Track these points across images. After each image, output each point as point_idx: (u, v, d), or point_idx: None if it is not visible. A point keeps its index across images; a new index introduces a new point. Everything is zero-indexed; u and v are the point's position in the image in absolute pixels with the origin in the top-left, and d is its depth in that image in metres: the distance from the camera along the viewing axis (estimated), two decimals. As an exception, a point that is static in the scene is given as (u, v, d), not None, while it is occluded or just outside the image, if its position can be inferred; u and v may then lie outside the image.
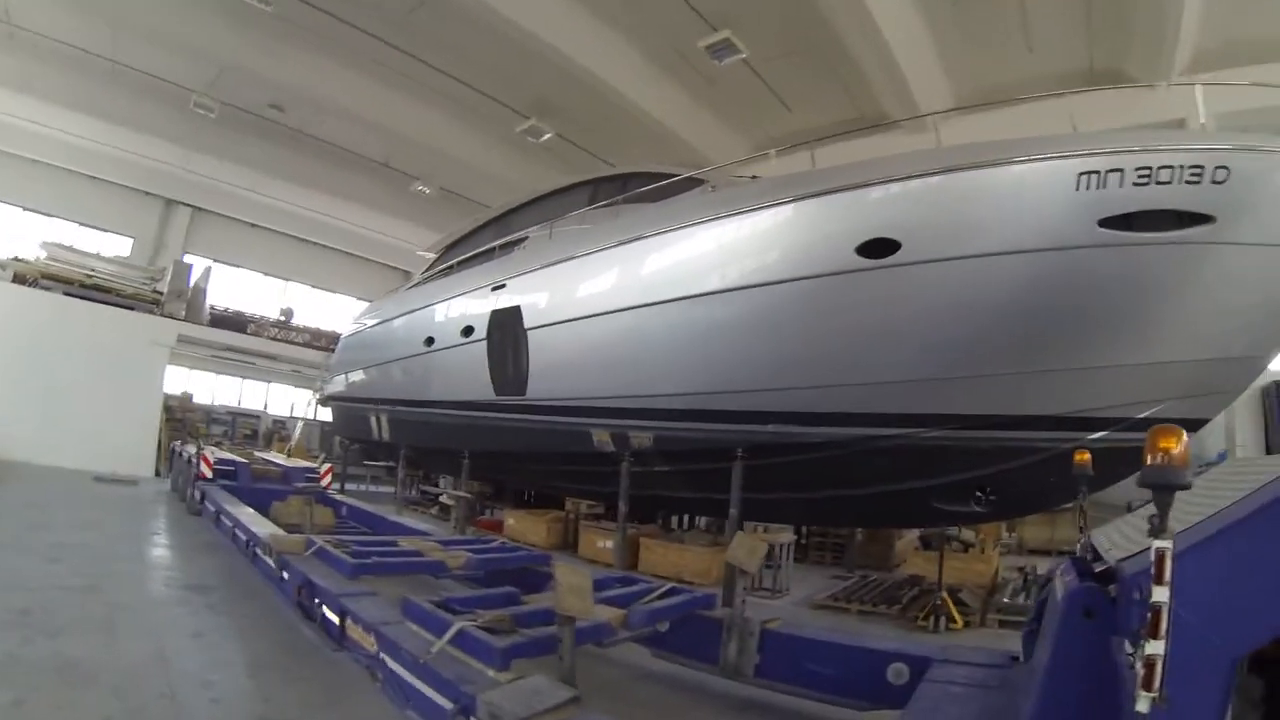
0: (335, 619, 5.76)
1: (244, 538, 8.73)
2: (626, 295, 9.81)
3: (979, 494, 7.98)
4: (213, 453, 13.62)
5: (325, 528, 10.56)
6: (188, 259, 24.65)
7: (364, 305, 32.00)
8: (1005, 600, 9.77)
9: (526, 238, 13.16)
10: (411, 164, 22.22)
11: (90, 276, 19.23)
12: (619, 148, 19.13)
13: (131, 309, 19.72)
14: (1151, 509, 2.39)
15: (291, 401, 29.46)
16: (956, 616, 8.91)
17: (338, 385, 19.85)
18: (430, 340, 14.32)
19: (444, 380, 13.98)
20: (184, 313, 21.87)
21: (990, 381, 7.33)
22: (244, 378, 28.02)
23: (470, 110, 18.89)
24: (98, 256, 20.96)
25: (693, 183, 10.50)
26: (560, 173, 18.53)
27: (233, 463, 13.45)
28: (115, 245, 24.75)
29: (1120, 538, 3.54)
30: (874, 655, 5.22)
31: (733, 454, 8.91)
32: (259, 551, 8.01)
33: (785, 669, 5.52)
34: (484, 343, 12.51)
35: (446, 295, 14.24)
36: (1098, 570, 3.41)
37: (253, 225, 27.89)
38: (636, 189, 10.91)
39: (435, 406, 14.45)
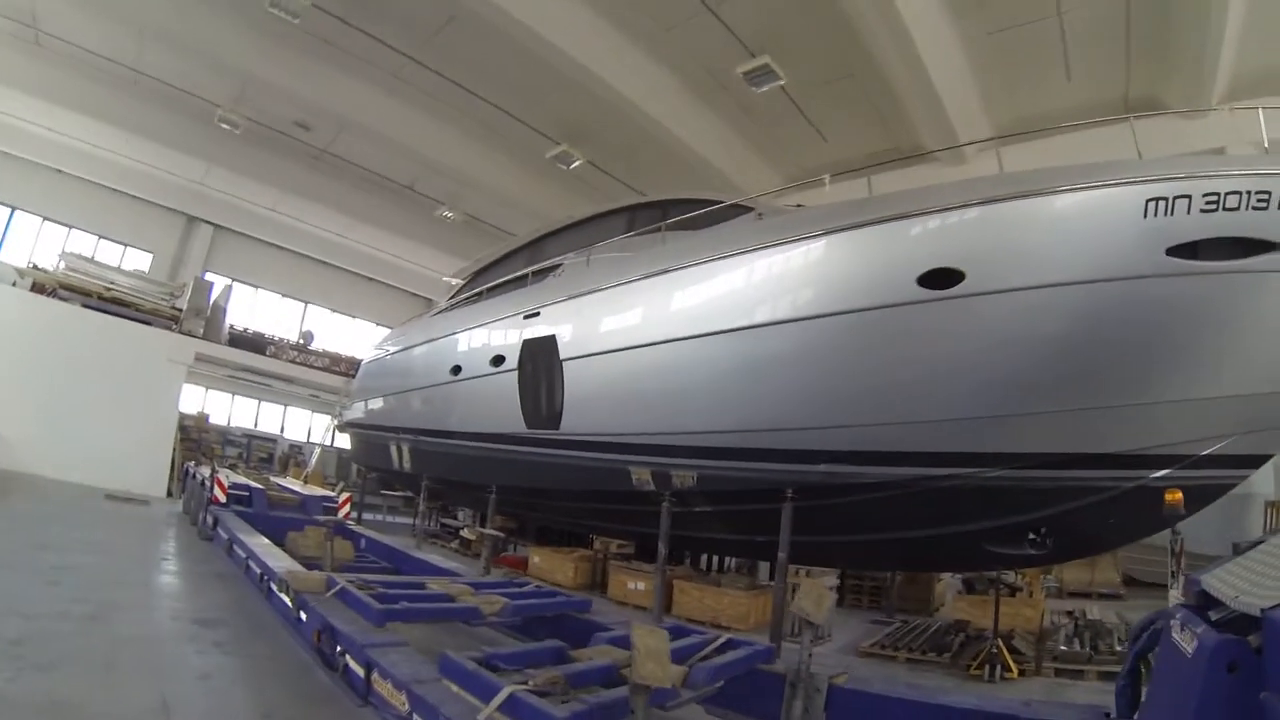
0: (360, 670, 5.17)
1: (258, 570, 8.18)
2: (671, 326, 9.34)
3: (1033, 536, 7.61)
4: (227, 476, 13.10)
5: (344, 562, 10.06)
6: (208, 277, 24.31)
7: (383, 331, 31.74)
8: (1063, 647, 9.24)
9: (561, 265, 12.69)
10: (437, 189, 21.93)
11: (109, 289, 18.89)
12: (650, 176, 18.79)
13: (149, 324, 19.33)
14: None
15: (309, 426, 29.09)
16: (1011, 665, 8.40)
17: (357, 412, 19.31)
18: (457, 369, 13.79)
19: (471, 411, 13.42)
20: (203, 330, 21.45)
21: (1053, 418, 6.97)
22: (261, 400, 27.60)
23: (499, 135, 18.61)
24: (118, 269, 20.69)
25: (738, 210, 10.11)
26: (589, 201, 18.26)
27: (248, 488, 12.92)
28: (135, 260, 24.63)
29: (1245, 582, 3.15)
30: (952, 714, 4.77)
31: (782, 494, 8.39)
32: (274, 587, 7.45)
33: (857, 728, 4.99)
34: (515, 373, 11.96)
35: (475, 323, 13.71)
36: (1215, 618, 3.10)
37: (273, 245, 27.67)
38: (677, 216, 10.52)
39: (461, 438, 13.88)
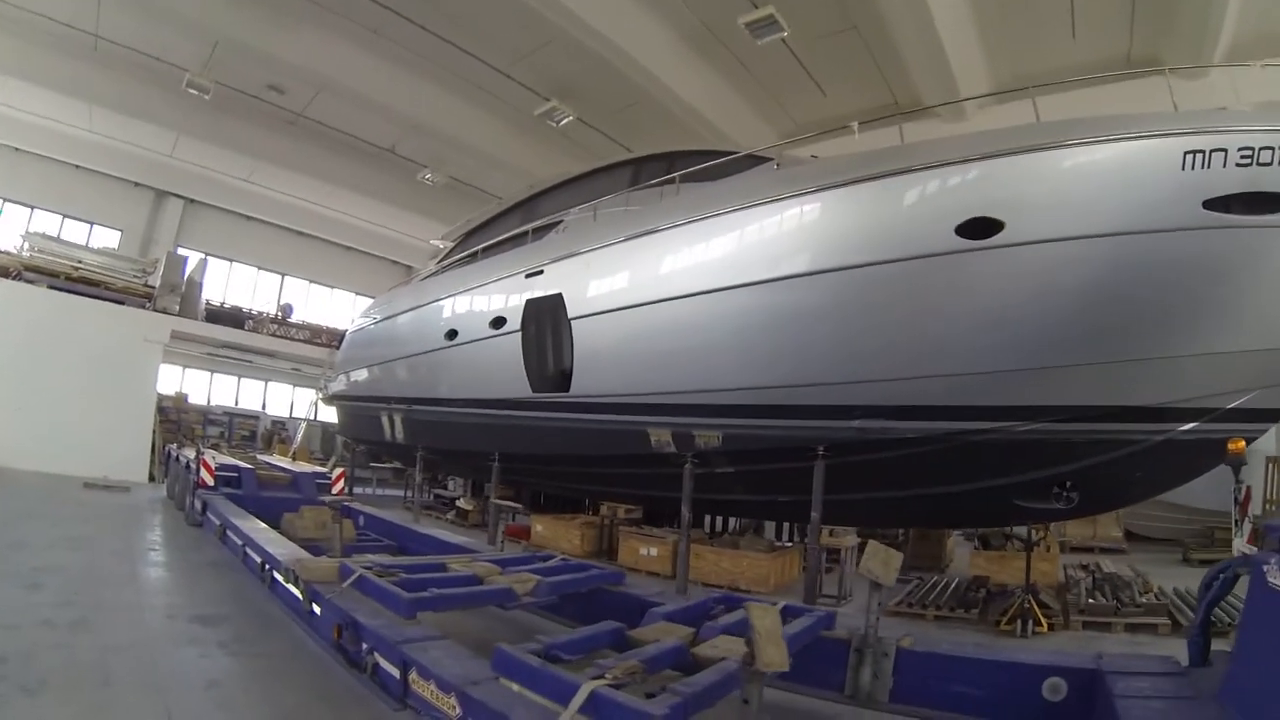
0: (394, 670, 4.45)
1: (258, 559, 7.37)
2: (692, 279, 8.85)
3: (1059, 491, 7.46)
4: (213, 457, 12.19)
5: (346, 542, 9.28)
6: (181, 252, 23.06)
7: (364, 302, 30.65)
8: (1090, 600, 9.08)
9: (561, 221, 12.03)
10: (419, 151, 20.72)
11: (77, 268, 17.73)
12: (642, 134, 17.79)
13: (122, 303, 18.28)
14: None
15: (291, 401, 28.07)
16: (1042, 619, 8.26)
17: (344, 384, 18.48)
18: (452, 333, 13.08)
19: (469, 376, 12.77)
20: (178, 307, 20.34)
21: (1086, 371, 6.86)
22: (241, 376, 26.47)
23: (485, 91, 17.45)
24: (85, 248, 19.49)
25: (753, 160, 9.62)
26: (576, 161, 17.40)
27: (236, 468, 12.00)
28: (103, 239, 23.23)
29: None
30: (1025, 670, 4.60)
31: (812, 452, 8.09)
32: (279, 577, 6.64)
33: (925, 692, 4.78)
34: (518, 335, 11.36)
35: (471, 284, 12.98)
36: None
37: (248, 218, 26.33)
38: (684, 168, 9.91)
39: (459, 405, 13.24)
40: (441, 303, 13.77)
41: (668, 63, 15.61)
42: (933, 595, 9.66)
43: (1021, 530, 10.72)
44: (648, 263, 9.49)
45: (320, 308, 29.76)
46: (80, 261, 18.06)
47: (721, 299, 8.46)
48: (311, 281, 29.60)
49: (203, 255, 23.42)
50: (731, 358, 8.50)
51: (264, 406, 27.41)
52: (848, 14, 13.89)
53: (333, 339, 26.34)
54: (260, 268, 27.80)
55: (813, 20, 14.00)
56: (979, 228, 6.72)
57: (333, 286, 30.32)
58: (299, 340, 25.23)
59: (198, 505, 10.80)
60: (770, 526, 13.93)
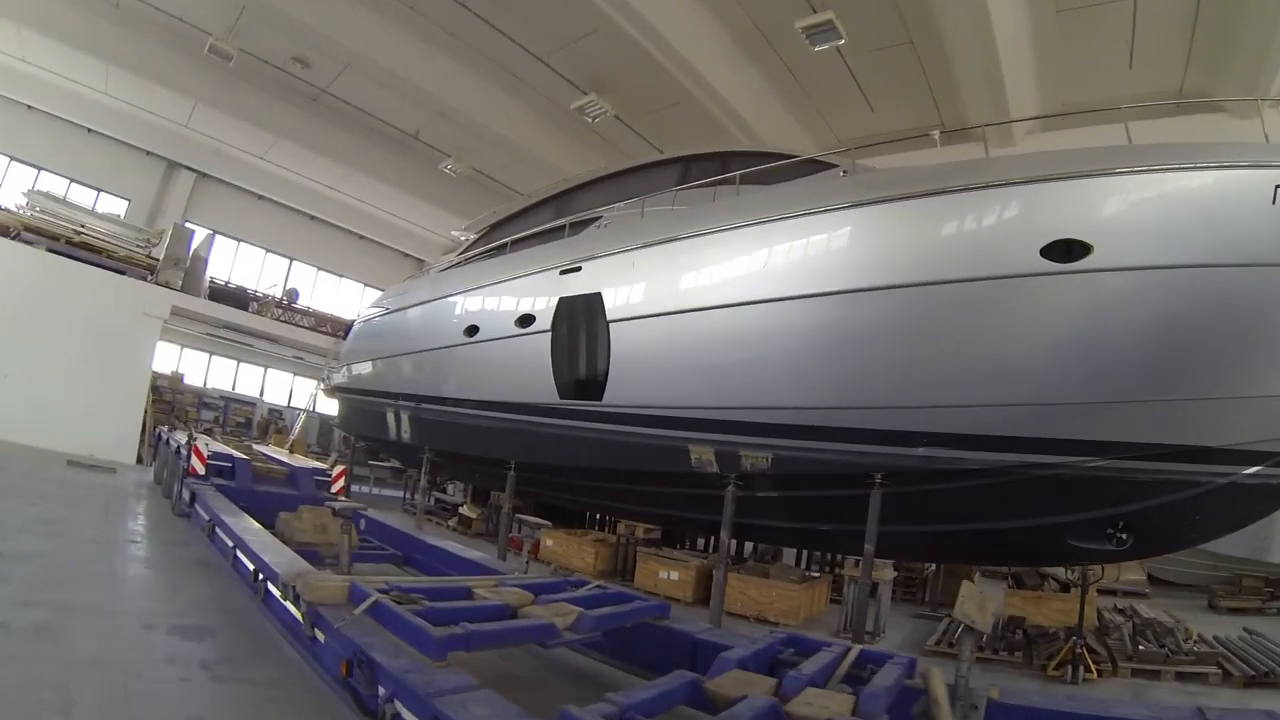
0: (420, 727, 3.58)
1: (251, 566, 6.45)
2: (750, 287, 8.25)
3: (1114, 531, 7.09)
4: (205, 444, 11.25)
5: (349, 550, 8.41)
6: (188, 226, 22.08)
7: (372, 293, 29.94)
8: (1141, 646, 8.68)
9: (600, 217, 11.27)
10: (443, 139, 19.84)
11: (80, 233, 16.75)
12: (677, 137, 16.87)
13: (123, 273, 17.27)
14: None
15: (290, 389, 27.13)
16: (1092, 666, 7.96)
17: (348, 376, 17.55)
18: (473, 329, 12.25)
19: (489, 377, 11.93)
20: (181, 282, 19.38)
21: (1165, 407, 6.52)
22: (240, 360, 25.41)
23: (521, 80, 16.68)
24: (90, 212, 18.55)
25: (817, 166, 9.18)
26: (606, 160, 16.85)
27: (230, 458, 11.05)
28: (109, 206, 22.18)
29: None
30: None
31: (869, 479, 7.51)
32: (275, 591, 5.72)
33: (1017, 747, 4.31)
34: (547, 335, 10.59)
35: (497, 278, 12.13)
36: None
37: (259, 197, 25.34)
38: (738, 170, 9.34)
39: (474, 407, 12.36)
40: (462, 296, 12.95)
41: (716, 63, 15.01)
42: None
43: (1056, 570, 10.65)
44: (701, 265, 8.80)
45: (327, 296, 28.84)
46: (83, 226, 17.10)
47: (781, 310, 7.88)
48: (319, 268, 28.59)
49: (210, 231, 22.34)
50: (788, 374, 7.90)
51: (262, 394, 26.31)
52: (906, 28, 13.45)
53: (338, 328, 25.51)
54: (268, 250, 26.77)
55: (870, 31, 13.50)
56: (1065, 250, 6.36)
57: (341, 275, 29.35)
58: (303, 327, 24.30)
59: (186, 495, 9.88)
60: (787, 553, 13.46)
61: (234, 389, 25.37)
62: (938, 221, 7.10)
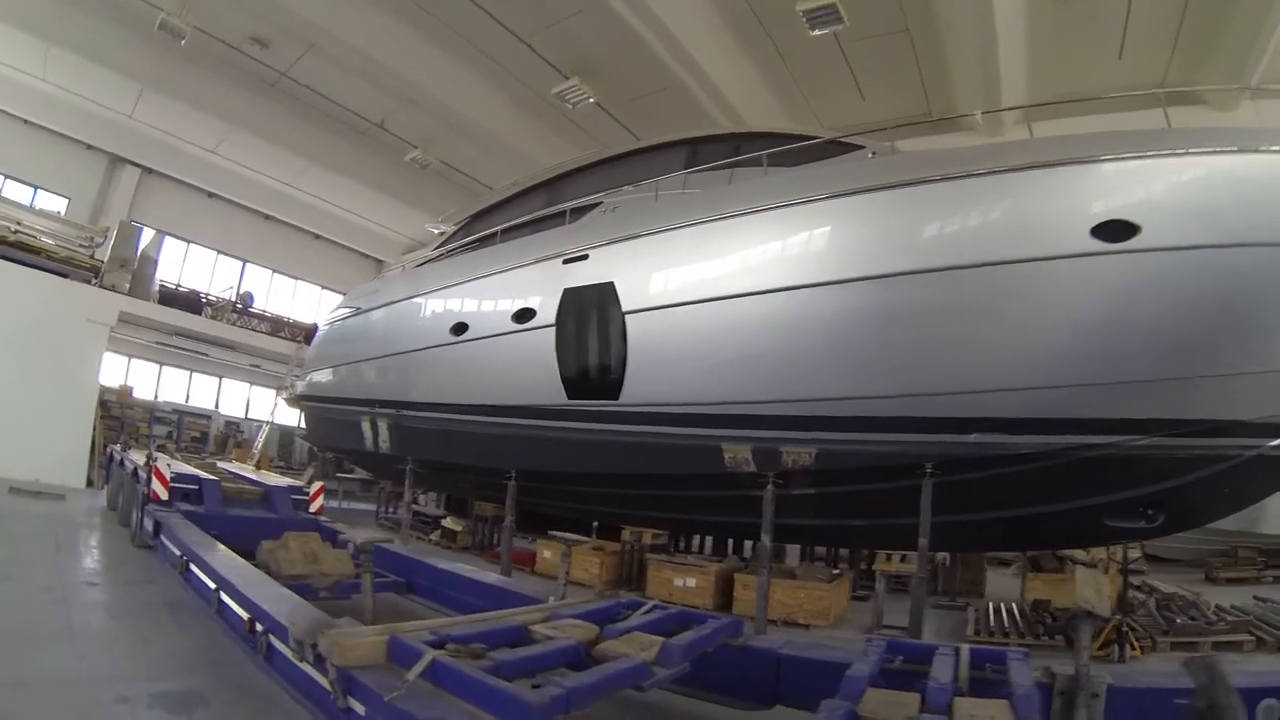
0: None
1: (246, 616, 5.31)
2: (784, 272, 7.80)
3: (1145, 510, 7.13)
4: (167, 464, 9.93)
5: (343, 579, 7.24)
6: (135, 224, 20.38)
7: (331, 296, 28.55)
8: (1178, 619, 8.96)
9: (601, 203, 10.42)
10: (411, 128, 18.57)
11: (15, 231, 15.08)
12: (658, 125, 15.67)
13: (65, 276, 15.65)
14: None
15: (246, 400, 25.51)
16: (1135, 644, 7.96)
17: (315, 383, 16.16)
18: (460, 327, 11.20)
19: (482, 378, 10.89)
20: (129, 286, 17.78)
21: (1204, 384, 6.55)
22: (193, 371, 23.71)
23: (498, 63, 15.58)
24: (27, 208, 16.85)
25: (841, 147, 8.77)
26: (581, 149, 15.86)
27: (196, 479, 9.69)
28: (47, 206, 20.32)
29: None
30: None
31: (918, 470, 7.16)
32: (282, 649, 4.62)
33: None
34: (550, 330, 9.67)
35: (488, 270, 11.10)
36: None
37: (210, 195, 23.57)
38: (753, 150, 8.93)
39: (466, 412, 11.27)
40: (447, 291, 11.86)
41: (709, 47, 14.41)
42: (1002, 622, 9.09)
43: (1075, 552, 10.73)
44: (732, 250, 8.20)
45: (283, 300, 27.20)
46: (19, 223, 15.40)
47: (824, 296, 7.44)
48: (275, 271, 26.86)
49: (158, 230, 20.61)
50: (833, 363, 7.46)
51: (217, 406, 24.56)
52: (904, 15, 13.29)
53: (297, 333, 24.04)
54: (220, 251, 24.98)
55: (867, 17, 13.15)
56: (1114, 230, 6.33)
57: (297, 278, 27.66)
58: (261, 333, 22.77)
59: (148, 525, 8.58)
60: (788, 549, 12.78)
61: (187, 401, 23.60)
62: (984, 203, 6.89)
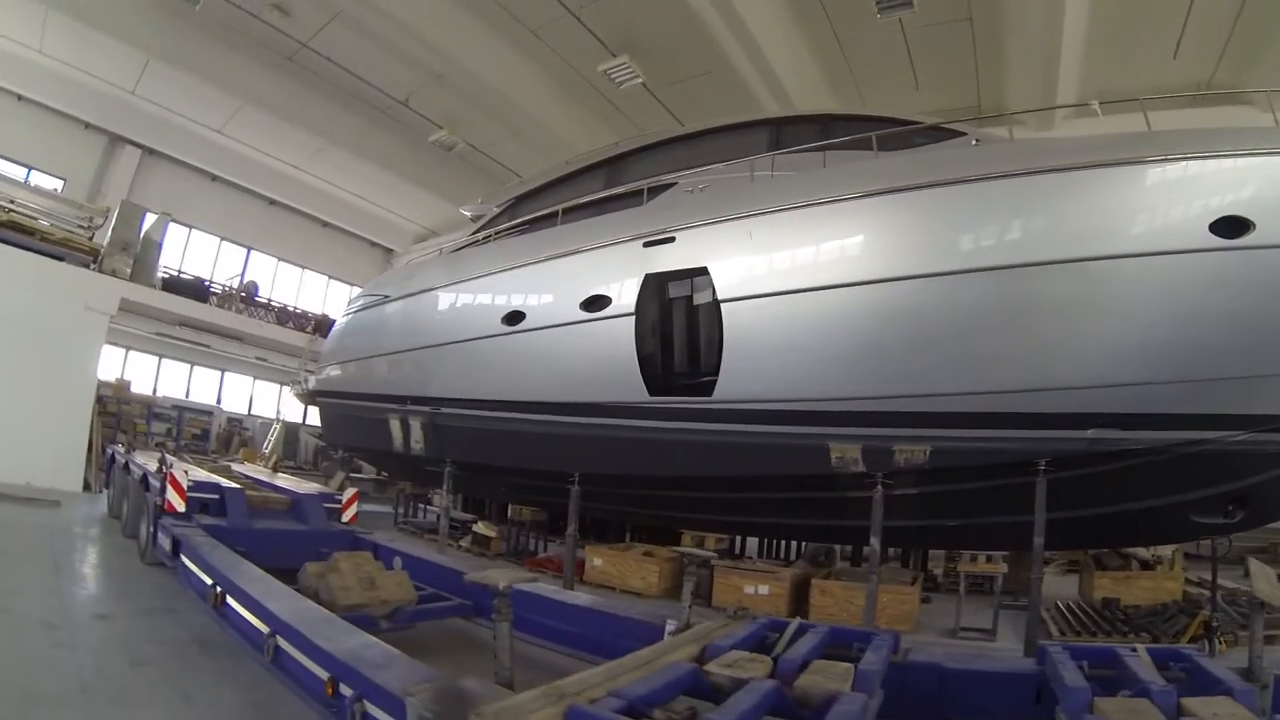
0: None
1: (321, 672, 3.92)
2: (904, 260, 7.31)
3: (1228, 505, 7.10)
4: (184, 471, 8.41)
5: (404, 606, 6.07)
6: (139, 205, 18.63)
7: (338, 286, 27.12)
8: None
9: (675, 183, 9.59)
10: (437, 106, 17.09)
11: (8, 210, 13.48)
12: (702, 109, 14.71)
13: (61, 259, 14.04)
14: None
15: (250, 396, 23.96)
16: (1222, 639, 7.71)
17: (334, 377, 14.74)
18: (516, 316, 10.08)
19: (540, 373, 9.85)
20: (130, 271, 16.18)
21: None
22: (194, 364, 22.11)
23: (541, 39, 14.29)
24: (21, 184, 15.22)
25: (943, 133, 8.51)
26: (618, 135, 14.44)
27: (217, 487, 8.27)
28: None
29: None
30: None
31: (1031, 467, 6.87)
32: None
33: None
34: (627, 319, 8.76)
35: (548, 253, 9.99)
36: None
37: (214, 178, 21.91)
38: (845, 134, 8.45)
39: (520, 410, 10.14)
40: (498, 277, 10.69)
41: (770, 28, 13.61)
42: (1081, 621, 8.76)
43: (1137, 550, 10.63)
44: (840, 236, 7.68)
45: (288, 289, 25.56)
46: (12, 201, 13.75)
47: (942, 286, 7.08)
48: (280, 259, 25.20)
49: (164, 213, 18.87)
50: (950, 357, 7.10)
51: (219, 401, 22.95)
52: (969, 4, 12.82)
53: (304, 323, 22.58)
54: (223, 238, 23.28)
55: (936, 3, 12.71)
56: (1230, 226, 6.26)
57: (304, 267, 26.04)
58: (270, 323, 21.22)
59: (165, 542, 7.13)
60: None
61: (188, 397, 21.97)
62: (1109, 194, 6.69)
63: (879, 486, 7.35)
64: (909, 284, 7.16)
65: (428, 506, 16.37)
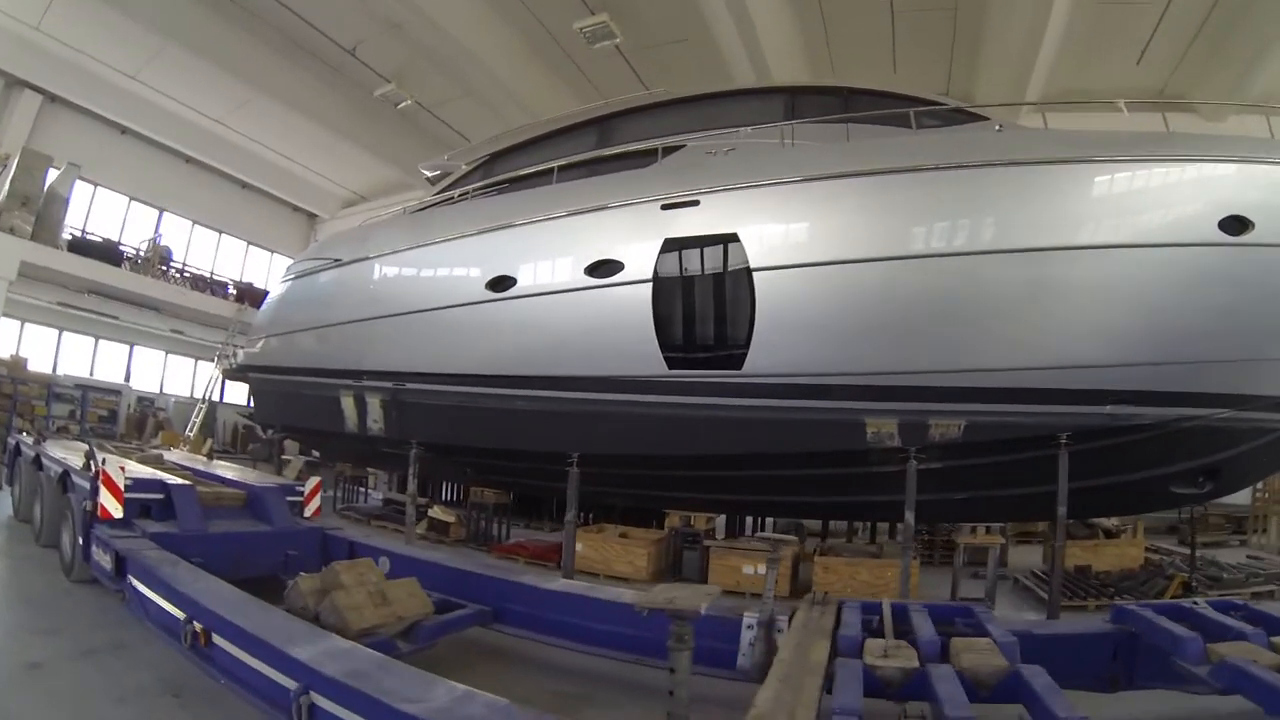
0: None
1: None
2: (944, 238, 7.22)
3: (1202, 476, 7.67)
4: (119, 466, 6.70)
5: (420, 621, 4.97)
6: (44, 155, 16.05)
7: (258, 253, 24.90)
8: (1224, 575, 9.54)
9: (684, 145, 8.77)
10: (387, 58, 15.31)
11: None
12: (673, 77, 13.76)
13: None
14: None
15: (161, 373, 21.55)
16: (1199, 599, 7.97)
17: (271, 350, 12.99)
18: (503, 282, 8.93)
19: (535, 344, 8.82)
20: (31, 229, 13.82)
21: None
22: (99, 338, 19.56)
23: (518, -5, 12.87)
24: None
25: (966, 115, 8.47)
26: (579, 101, 13.93)
27: (161, 484, 6.65)
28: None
29: None
30: None
31: (1055, 440, 7.04)
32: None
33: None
34: (642, 286, 7.85)
35: (544, 213, 8.81)
36: None
37: (124, 130, 19.30)
38: (865, 109, 8.37)
39: (507, 385, 9.04)
40: (480, 238, 9.38)
41: None
42: (1070, 589, 8.85)
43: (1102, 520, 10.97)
44: (883, 211, 7.35)
45: (203, 256, 23.09)
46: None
47: (980, 264, 7.03)
48: (196, 223, 22.65)
49: (72, 164, 16.23)
50: (987, 332, 7.09)
51: (128, 378, 20.37)
52: None
53: (222, 292, 20.43)
54: (133, 198, 20.56)
55: None
56: (1235, 224, 6.64)
57: (221, 231, 23.58)
58: (198, 291, 18.97)
59: (102, 559, 5.59)
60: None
61: (93, 375, 19.42)
62: (1130, 187, 6.92)
63: (912, 460, 7.24)
64: (951, 260, 7.07)
65: (367, 490, 15.08)
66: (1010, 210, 7.09)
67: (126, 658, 4.61)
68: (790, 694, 3.12)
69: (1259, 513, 13.98)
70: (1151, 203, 6.90)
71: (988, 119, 8.26)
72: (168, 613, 4.38)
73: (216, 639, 3.91)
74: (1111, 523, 11.06)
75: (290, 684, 3.28)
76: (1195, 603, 4.69)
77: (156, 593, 4.58)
